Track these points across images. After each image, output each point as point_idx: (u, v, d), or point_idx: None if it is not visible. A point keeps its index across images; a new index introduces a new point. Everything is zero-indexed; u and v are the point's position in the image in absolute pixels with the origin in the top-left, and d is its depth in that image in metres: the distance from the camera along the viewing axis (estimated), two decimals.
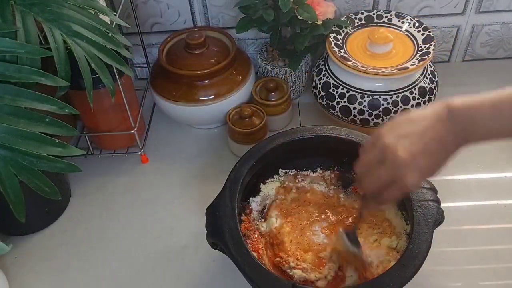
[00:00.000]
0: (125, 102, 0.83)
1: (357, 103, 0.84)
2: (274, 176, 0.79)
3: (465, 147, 0.54)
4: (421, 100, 0.84)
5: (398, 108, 0.84)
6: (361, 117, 0.85)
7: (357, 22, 0.92)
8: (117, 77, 0.79)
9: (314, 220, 0.75)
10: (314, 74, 0.92)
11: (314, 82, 0.91)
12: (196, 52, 0.90)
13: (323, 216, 0.76)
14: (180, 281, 0.75)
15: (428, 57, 0.83)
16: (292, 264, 0.68)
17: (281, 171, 0.79)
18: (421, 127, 0.55)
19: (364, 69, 0.82)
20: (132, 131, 0.88)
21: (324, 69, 0.90)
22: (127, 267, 0.77)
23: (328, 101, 0.88)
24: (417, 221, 0.64)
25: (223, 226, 0.65)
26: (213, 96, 0.89)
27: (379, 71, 0.81)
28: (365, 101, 0.84)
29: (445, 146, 0.54)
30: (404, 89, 0.84)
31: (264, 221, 0.75)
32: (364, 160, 0.58)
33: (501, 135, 0.53)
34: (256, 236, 0.72)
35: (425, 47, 0.86)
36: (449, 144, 0.54)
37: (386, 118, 0.84)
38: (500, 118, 0.52)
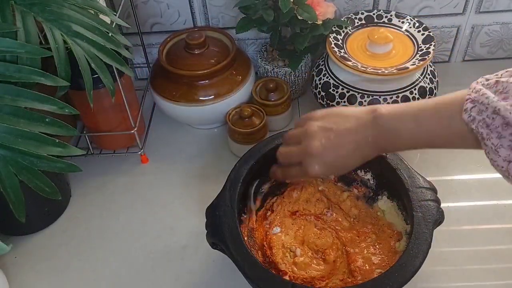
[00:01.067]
0: (125, 102, 0.83)
1: (357, 103, 0.84)
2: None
3: (381, 153, 0.59)
4: None
5: None
6: None
7: (357, 22, 0.92)
8: (117, 77, 0.79)
9: (313, 220, 0.75)
10: (314, 74, 0.92)
11: (314, 82, 0.91)
12: (196, 52, 0.90)
13: (323, 217, 0.76)
14: (180, 281, 0.75)
15: (428, 57, 0.83)
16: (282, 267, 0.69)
17: None
18: (346, 126, 0.58)
19: (364, 69, 0.82)
20: (132, 131, 0.88)
21: (324, 69, 0.90)
22: (127, 267, 0.77)
23: (328, 101, 0.88)
24: (417, 221, 0.64)
25: (223, 226, 0.65)
26: (213, 96, 0.89)
27: (379, 71, 0.81)
28: (365, 101, 0.84)
29: (361, 150, 0.58)
30: (404, 89, 0.84)
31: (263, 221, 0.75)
32: (289, 133, 0.65)
33: (418, 146, 0.55)
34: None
35: (425, 47, 0.86)
36: (366, 149, 0.57)
37: None
38: (419, 129, 0.53)
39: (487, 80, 0.50)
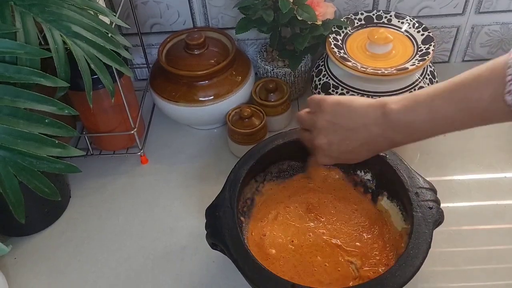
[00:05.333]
0: (125, 102, 0.83)
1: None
2: (274, 177, 0.79)
3: (397, 146, 0.58)
4: None
5: None
6: None
7: (357, 23, 0.92)
8: (117, 78, 0.79)
9: (312, 220, 0.75)
10: (314, 74, 0.92)
11: (313, 82, 0.91)
12: (196, 52, 0.90)
13: (323, 219, 0.76)
14: (179, 281, 0.75)
15: (427, 57, 0.83)
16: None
17: (281, 172, 0.79)
18: (354, 123, 0.58)
19: (364, 69, 0.82)
20: (132, 132, 0.88)
21: (323, 69, 0.90)
22: (126, 267, 0.77)
23: None
24: (417, 221, 0.64)
25: (223, 227, 0.65)
26: (212, 97, 0.89)
27: (379, 71, 0.81)
28: None
29: (370, 145, 0.58)
30: (404, 90, 0.84)
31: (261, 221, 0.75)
32: (301, 116, 0.67)
33: (437, 133, 0.54)
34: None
35: (424, 47, 0.86)
36: (378, 144, 0.57)
37: None
38: (435, 117, 0.52)
39: None
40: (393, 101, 0.55)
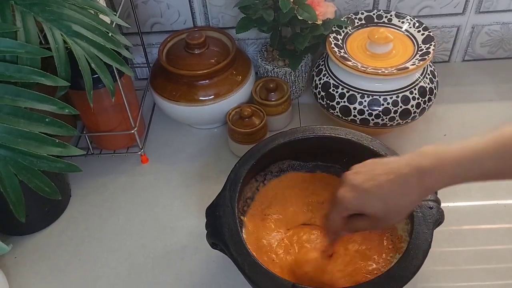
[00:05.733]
0: (125, 102, 0.83)
1: (357, 103, 0.84)
2: (274, 176, 0.79)
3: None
4: (421, 100, 0.84)
5: (398, 108, 0.84)
6: (361, 117, 0.85)
7: (357, 22, 0.92)
8: (117, 77, 0.79)
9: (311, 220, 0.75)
10: (314, 74, 0.92)
11: (314, 82, 0.91)
12: (196, 52, 0.90)
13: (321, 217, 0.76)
14: (180, 281, 0.75)
15: (428, 57, 0.83)
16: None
17: (281, 171, 0.79)
18: (387, 160, 0.57)
19: (364, 69, 0.82)
20: (132, 131, 0.88)
21: (324, 69, 0.90)
22: (127, 267, 0.77)
23: (328, 101, 0.88)
24: (417, 221, 0.64)
25: (223, 226, 0.65)
26: (213, 96, 0.89)
27: (379, 71, 0.81)
28: (365, 101, 0.84)
29: (401, 188, 0.54)
30: (404, 89, 0.84)
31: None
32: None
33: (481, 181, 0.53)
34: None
35: (425, 47, 0.86)
36: (408, 186, 0.54)
37: (386, 118, 0.84)
38: (481, 175, 0.51)
39: None
40: (429, 160, 0.53)
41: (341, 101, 0.86)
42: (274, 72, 0.96)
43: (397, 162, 0.55)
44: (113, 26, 0.74)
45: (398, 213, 0.56)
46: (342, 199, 0.57)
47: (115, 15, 0.75)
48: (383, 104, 0.84)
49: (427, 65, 0.87)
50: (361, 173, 0.57)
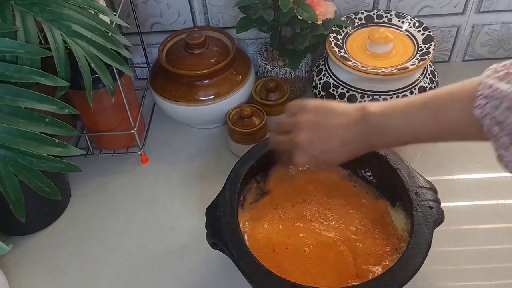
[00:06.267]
0: (125, 102, 0.83)
1: (357, 103, 0.84)
2: (273, 176, 0.79)
3: (370, 150, 0.60)
4: None
5: None
6: None
7: (357, 22, 0.92)
8: (117, 77, 0.79)
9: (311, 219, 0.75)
10: (314, 74, 0.92)
11: (314, 82, 0.91)
12: (196, 52, 0.90)
13: (323, 218, 0.76)
14: (180, 281, 0.75)
15: (428, 57, 0.83)
16: None
17: (280, 172, 0.79)
18: (335, 122, 0.59)
19: (364, 69, 0.82)
20: (132, 131, 0.88)
21: (324, 69, 0.90)
22: (127, 267, 0.77)
23: None
24: (417, 221, 0.64)
25: (223, 226, 0.65)
26: (213, 96, 0.89)
27: (379, 71, 0.81)
28: (365, 101, 0.84)
29: (348, 146, 0.59)
30: (404, 89, 0.84)
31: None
32: (281, 120, 0.65)
33: (407, 142, 0.56)
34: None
35: (425, 47, 0.86)
36: (354, 145, 0.59)
37: None
38: (408, 125, 0.54)
39: (496, 72, 0.50)
40: (373, 105, 0.57)
41: (341, 101, 0.86)
42: (274, 72, 0.95)
43: (346, 129, 0.58)
44: (113, 26, 0.74)
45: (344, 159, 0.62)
46: (298, 163, 0.63)
47: (115, 15, 0.75)
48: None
49: (427, 65, 0.87)
50: (315, 142, 0.61)
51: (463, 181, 0.85)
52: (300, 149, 0.62)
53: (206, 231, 0.67)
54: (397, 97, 0.83)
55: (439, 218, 0.66)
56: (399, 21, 0.91)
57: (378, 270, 0.67)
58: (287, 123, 0.64)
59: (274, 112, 0.92)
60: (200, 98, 0.89)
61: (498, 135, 0.47)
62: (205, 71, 0.88)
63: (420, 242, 0.62)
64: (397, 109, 0.55)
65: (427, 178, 0.70)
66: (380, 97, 0.83)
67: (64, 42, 0.66)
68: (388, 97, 0.83)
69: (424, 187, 0.68)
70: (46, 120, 0.62)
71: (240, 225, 0.67)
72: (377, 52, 0.86)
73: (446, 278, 0.72)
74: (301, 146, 0.62)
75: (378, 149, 0.61)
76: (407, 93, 0.83)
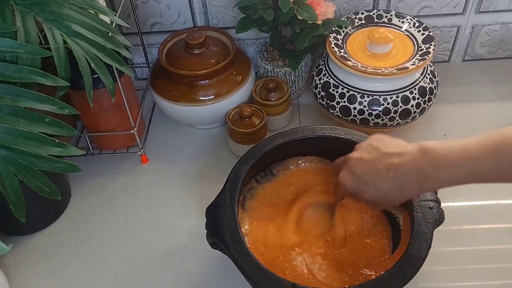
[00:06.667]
0: (125, 102, 0.83)
1: (357, 103, 0.84)
2: (274, 176, 0.79)
3: (424, 190, 0.58)
4: (421, 100, 0.84)
5: (398, 108, 0.84)
6: (361, 117, 0.85)
7: (357, 22, 0.92)
8: (117, 77, 0.79)
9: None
10: (314, 74, 0.92)
11: (314, 82, 0.91)
12: (196, 52, 0.90)
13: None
14: (180, 281, 0.75)
15: (428, 57, 0.83)
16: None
17: (280, 172, 0.79)
18: (392, 150, 0.58)
19: (364, 69, 0.82)
20: (132, 131, 0.88)
21: (324, 69, 0.90)
22: (127, 267, 0.77)
23: (328, 101, 0.88)
24: (417, 221, 0.64)
25: (223, 226, 0.65)
26: (213, 96, 0.89)
27: (379, 71, 0.81)
28: (365, 101, 0.84)
29: (399, 177, 0.56)
30: (404, 89, 0.84)
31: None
32: (351, 159, 0.62)
33: (462, 183, 0.54)
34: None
35: (425, 47, 0.86)
36: (406, 177, 0.56)
37: (386, 118, 0.84)
38: (474, 177, 0.52)
39: None
40: (430, 143, 0.55)
41: (341, 101, 0.86)
42: (274, 72, 0.96)
43: (400, 157, 0.57)
44: (113, 26, 0.74)
45: (392, 203, 0.60)
46: (341, 182, 0.62)
47: (115, 15, 0.75)
48: (383, 104, 0.84)
49: (427, 65, 0.87)
50: (364, 161, 0.59)
51: None
52: (346, 166, 0.62)
53: (206, 231, 0.66)
54: (397, 97, 0.83)
55: (439, 218, 0.66)
56: (399, 21, 0.91)
57: (379, 270, 0.67)
58: (354, 164, 0.62)
59: (274, 112, 0.92)
60: (200, 98, 0.89)
61: None
62: (205, 71, 0.88)
63: (420, 242, 0.62)
64: (462, 158, 0.52)
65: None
66: (380, 97, 0.83)
67: (64, 42, 0.66)
68: (388, 97, 0.83)
69: None
70: (46, 120, 0.62)
71: (240, 225, 0.66)
72: (377, 52, 0.86)
73: (446, 278, 0.72)
74: (349, 163, 0.61)
75: (433, 188, 0.58)
76: (407, 93, 0.83)
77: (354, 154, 0.61)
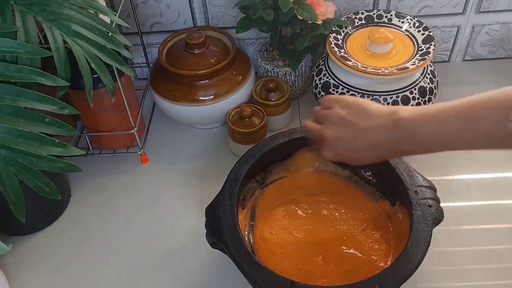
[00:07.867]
0: (125, 102, 0.83)
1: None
2: (274, 176, 0.79)
3: (400, 156, 0.61)
4: (421, 100, 0.84)
5: None
6: None
7: (357, 22, 0.92)
8: (117, 77, 0.79)
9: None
10: (314, 74, 0.92)
11: (314, 82, 0.91)
12: (196, 52, 0.90)
13: (323, 217, 0.76)
14: (180, 280, 0.75)
15: (428, 57, 0.83)
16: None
17: (280, 172, 0.79)
18: (366, 124, 0.59)
19: (364, 69, 0.82)
20: (132, 131, 0.88)
21: (324, 69, 0.90)
22: (127, 267, 0.77)
23: None
24: (416, 219, 0.64)
25: (223, 226, 0.65)
26: (213, 96, 0.89)
27: (379, 71, 0.81)
28: None
29: (375, 150, 0.59)
30: (404, 89, 0.84)
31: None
32: (317, 109, 0.67)
33: (438, 149, 0.55)
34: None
35: (425, 47, 0.86)
36: (382, 150, 0.59)
37: None
38: (441, 133, 0.53)
39: None
40: (405, 109, 0.56)
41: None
42: (274, 72, 0.96)
43: (376, 132, 0.58)
44: (113, 26, 0.74)
45: (371, 163, 0.63)
46: (325, 158, 0.65)
47: (115, 15, 0.75)
48: (383, 104, 0.83)
49: (427, 65, 0.87)
50: (343, 140, 0.62)
51: (463, 181, 0.85)
52: (326, 144, 0.63)
53: (206, 231, 0.66)
54: (397, 97, 0.83)
55: (438, 216, 0.66)
56: (399, 21, 0.91)
57: (378, 267, 0.67)
58: (321, 114, 0.65)
59: (274, 112, 0.92)
60: (200, 98, 0.89)
61: None
62: (205, 71, 0.88)
63: (419, 240, 0.62)
64: (430, 115, 0.54)
65: (427, 178, 0.70)
66: (380, 97, 0.83)
67: (64, 42, 0.66)
68: (388, 97, 0.83)
69: (423, 186, 0.68)
70: (46, 120, 0.62)
71: (240, 224, 0.67)
72: (377, 52, 0.86)
73: (446, 278, 0.72)
74: (328, 141, 0.63)
75: (407, 155, 0.62)
76: (407, 93, 0.83)
77: (330, 132, 0.62)
